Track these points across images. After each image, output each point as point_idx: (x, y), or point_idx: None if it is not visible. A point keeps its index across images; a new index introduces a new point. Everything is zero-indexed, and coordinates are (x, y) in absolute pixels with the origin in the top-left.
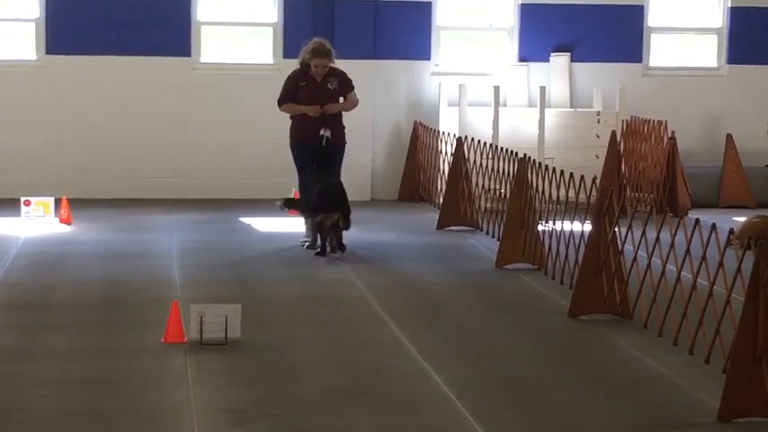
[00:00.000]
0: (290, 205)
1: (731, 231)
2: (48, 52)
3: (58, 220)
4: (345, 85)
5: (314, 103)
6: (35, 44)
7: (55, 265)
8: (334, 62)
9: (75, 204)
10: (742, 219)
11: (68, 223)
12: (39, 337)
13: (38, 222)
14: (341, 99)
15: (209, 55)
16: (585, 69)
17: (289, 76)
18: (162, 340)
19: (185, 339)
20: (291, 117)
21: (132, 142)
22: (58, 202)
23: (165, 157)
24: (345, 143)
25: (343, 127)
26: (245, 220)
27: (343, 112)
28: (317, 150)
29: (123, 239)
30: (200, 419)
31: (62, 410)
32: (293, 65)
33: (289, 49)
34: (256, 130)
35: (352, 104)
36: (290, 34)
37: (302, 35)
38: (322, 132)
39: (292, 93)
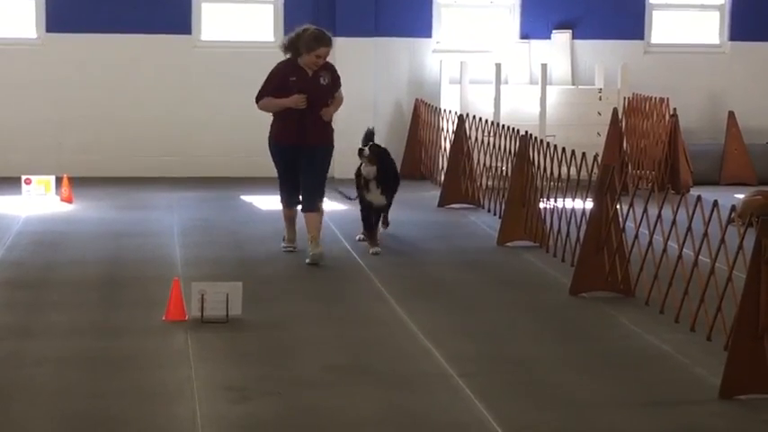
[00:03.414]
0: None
1: (733, 208)
2: (48, 30)
3: (58, 198)
4: (335, 81)
5: (307, 102)
6: (35, 22)
7: (56, 244)
8: None
9: (76, 183)
10: (743, 196)
11: (69, 202)
12: (39, 315)
13: (39, 201)
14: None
15: (209, 33)
16: (587, 46)
17: (274, 71)
18: (163, 318)
19: (186, 317)
20: (273, 114)
21: (133, 120)
22: (58, 181)
23: (166, 135)
24: (333, 146)
25: (332, 129)
26: (247, 198)
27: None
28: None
29: (124, 218)
30: (201, 397)
31: (63, 388)
32: None
33: (290, 27)
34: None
35: (340, 105)
36: (291, 12)
37: (303, 12)
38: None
39: (275, 88)
